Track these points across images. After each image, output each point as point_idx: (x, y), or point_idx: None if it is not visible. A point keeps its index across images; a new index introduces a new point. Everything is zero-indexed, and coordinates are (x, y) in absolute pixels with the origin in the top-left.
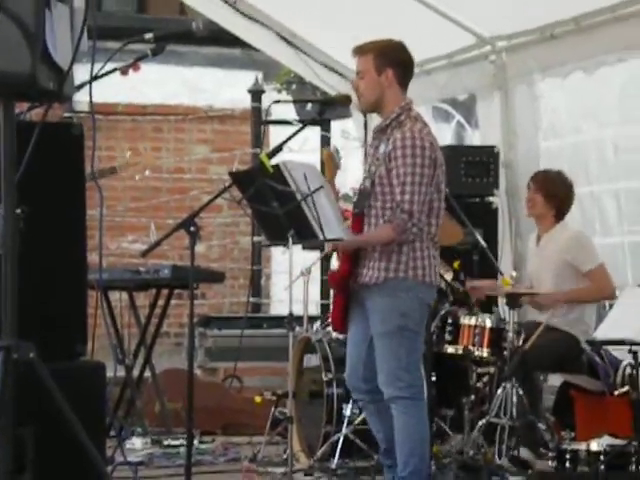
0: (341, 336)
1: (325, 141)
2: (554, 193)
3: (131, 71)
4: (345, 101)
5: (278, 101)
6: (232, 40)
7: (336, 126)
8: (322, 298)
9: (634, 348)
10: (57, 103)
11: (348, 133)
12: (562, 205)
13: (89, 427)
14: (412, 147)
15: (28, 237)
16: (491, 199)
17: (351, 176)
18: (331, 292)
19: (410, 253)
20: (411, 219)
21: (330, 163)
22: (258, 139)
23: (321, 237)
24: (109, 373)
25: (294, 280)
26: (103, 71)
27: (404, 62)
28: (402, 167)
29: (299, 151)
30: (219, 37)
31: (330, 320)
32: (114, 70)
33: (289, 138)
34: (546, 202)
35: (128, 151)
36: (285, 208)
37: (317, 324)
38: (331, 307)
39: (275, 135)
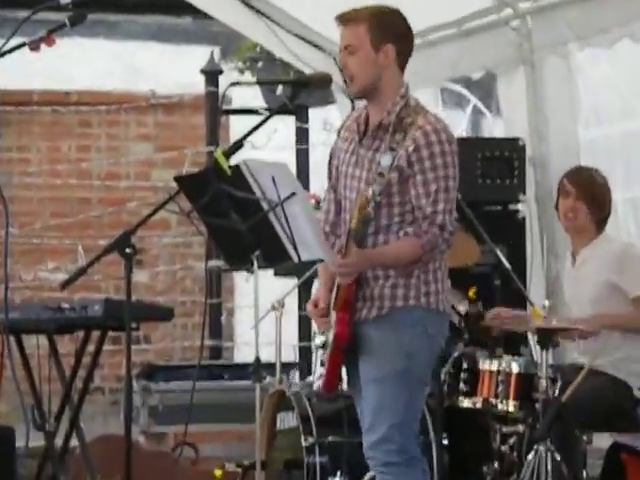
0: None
1: (302, 135)
2: (600, 200)
3: (44, 46)
4: (325, 82)
5: (238, 83)
6: (180, 6)
7: (315, 115)
8: (300, 339)
9: None
10: None
11: (331, 125)
12: (605, 214)
13: None
14: (439, 143)
15: None
16: (517, 207)
17: None
18: (313, 329)
19: (421, 275)
20: (442, 233)
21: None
22: (214, 134)
23: (295, 258)
24: (23, 442)
25: (263, 316)
26: (8, 47)
27: (405, 36)
28: (431, 171)
29: (266, 148)
30: (163, 3)
31: (322, 380)
32: (23, 45)
33: (252, 130)
34: (590, 212)
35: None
36: (248, 222)
37: (294, 373)
38: (324, 366)
39: (236, 128)
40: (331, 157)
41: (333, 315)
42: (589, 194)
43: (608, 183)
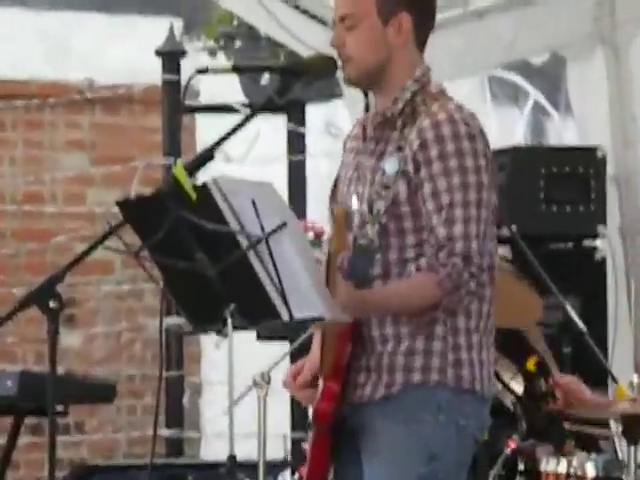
0: None
1: (296, 141)
2: None
3: None
4: (328, 68)
5: (207, 70)
6: None
7: (315, 114)
8: (293, 428)
9: None
10: None
11: (337, 128)
12: None
13: None
14: (454, 138)
15: None
16: (594, 243)
17: None
18: (310, 413)
19: (449, 337)
20: (468, 266)
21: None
22: (174, 140)
23: (285, 315)
24: None
25: (240, 396)
26: None
27: (425, 2)
28: (442, 177)
29: (246, 160)
30: None
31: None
32: None
33: (227, 135)
34: None
35: None
36: (220, 264)
37: (284, 475)
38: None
39: (205, 132)
40: (335, 183)
41: (320, 385)
42: None
43: None
